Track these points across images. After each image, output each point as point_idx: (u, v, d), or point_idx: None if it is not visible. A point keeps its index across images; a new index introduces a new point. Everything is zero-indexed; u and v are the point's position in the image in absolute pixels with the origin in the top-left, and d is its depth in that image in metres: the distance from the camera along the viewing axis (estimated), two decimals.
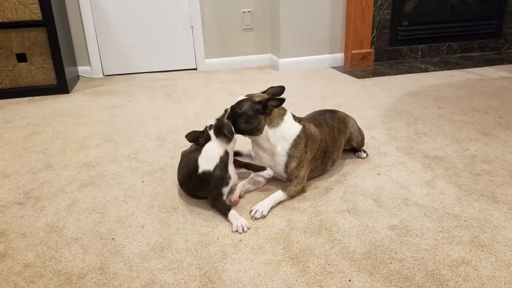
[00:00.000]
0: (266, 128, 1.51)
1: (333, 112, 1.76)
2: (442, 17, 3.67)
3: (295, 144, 1.52)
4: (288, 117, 1.55)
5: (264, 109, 1.47)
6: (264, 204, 1.45)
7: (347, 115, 1.82)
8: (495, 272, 1.13)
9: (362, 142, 1.83)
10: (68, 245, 1.31)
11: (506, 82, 2.90)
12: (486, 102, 2.48)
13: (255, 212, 1.42)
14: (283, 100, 1.47)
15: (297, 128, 1.54)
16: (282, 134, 1.52)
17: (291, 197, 1.52)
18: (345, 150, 1.84)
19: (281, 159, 1.53)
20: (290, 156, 1.52)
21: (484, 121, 2.19)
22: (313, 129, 1.59)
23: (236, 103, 1.50)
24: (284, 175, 1.56)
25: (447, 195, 1.51)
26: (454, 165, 1.73)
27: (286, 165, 1.53)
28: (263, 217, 1.42)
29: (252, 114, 1.47)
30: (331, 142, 1.64)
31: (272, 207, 1.46)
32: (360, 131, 1.82)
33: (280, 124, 1.53)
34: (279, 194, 1.49)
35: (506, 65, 3.38)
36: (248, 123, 1.48)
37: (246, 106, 1.48)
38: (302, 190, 1.55)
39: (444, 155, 1.82)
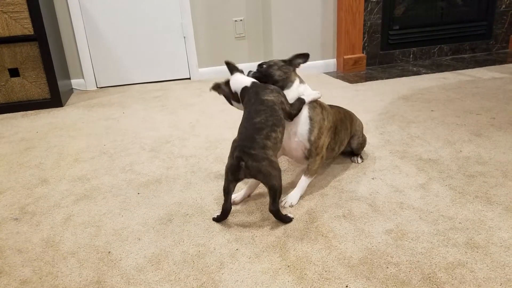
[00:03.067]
0: (297, 81, 1.56)
1: (340, 106, 1.81)
2: (432, 20, 3.71)
3: (312, 107, 1.55)
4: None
5: (290, 62, 1.56)
6: (293, 195, 1.53)
7: (355, 115, 1.86)
8: (491, 273, 1.13)
9: (362, 145, 1.84)
10: (65, 259, 1.30)
11: (497, 82, 2.92)
12: (478, 103, 2.50)
13: (284, 203, 1.50)
14: (307, 54, 1.56)
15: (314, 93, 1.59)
16: (306, 92, 1.56)
17: (315, 173, 1.58)
18: (342, 154, 1.85)
19: (304, 125, 1.53)
20: (311, 120, 1.53)
21: (477, 122, 2.20)
22: (325, 104, 1.63)
23: (262, 62, 1.57)
24: (307, 145, 1.54)
25: (442, 198, 1.51)
26: (448, 167, 1.74)
27: (310, 132, 1.52)
28: (291, 206, 1.51)
29: (283, 64, 1.55)
30: (339, 122, 1.68)
31: (301, 196, 1.56)
32: (363, 134, 1.85)
33: (305, 83, 1.58)
34: (303, 181, 1.56)
35: (497, 65, 3.41)
36: (281, 70, 1.54)
37: (275, 60, 1.57)
38: (321, 161, 1.58)
39: (437, 157, 1.83)
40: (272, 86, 1.49)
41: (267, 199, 1.55)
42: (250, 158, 1.33)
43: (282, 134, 1.44)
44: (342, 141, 1.71)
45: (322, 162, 1.59)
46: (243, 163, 1.34)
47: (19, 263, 1.30)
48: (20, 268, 1.28)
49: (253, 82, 1.50)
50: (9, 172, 1.96)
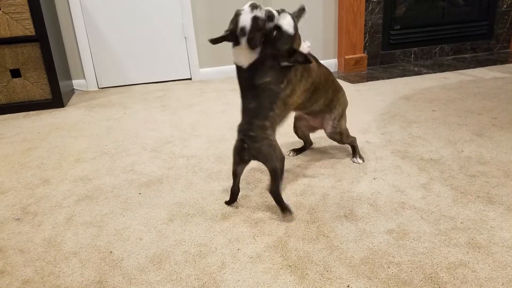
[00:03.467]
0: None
1: (331, 73, 1.79)
2: (434, 20, 3.71)
3: (295, 68, 1.50)
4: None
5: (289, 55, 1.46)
6: None
7: (343, 92, 1.84)
8: (493, 273, 1.13)
9: (338, 134, 1.78)
10: (67, 259, 1.31)
11: (499, 82, 2.92)
12: (479, 103, 2.49)
13: None
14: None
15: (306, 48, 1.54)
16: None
17: None
18: (340, 153, 1.85)
19: None
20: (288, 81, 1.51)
21: (478, 122, 2.20)
22: (313, 65, 1.60)
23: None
24: None
25: (443, 198, 1.51)
26: (449, 167, 1.74)
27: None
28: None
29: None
30: (324, 82, 1.67)
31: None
32: (341, 124, 1.79)
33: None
34: None
35: (499, 65, 3.41)
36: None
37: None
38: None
39: (439, 157, 1.83)
40: (270, 64, 1.42)
41: (268, 198, 1.55)
42: (251, 140, 1.40)
43: (286, 104, 1.49)
44: (316, 100, 1.66)
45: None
46: (245, 145, 1.41)
47: (21, 263, 1.30)
48: (22, 268, 1.28)
49: (250, 65, 1.43)
50: (10, 172, 1.96)
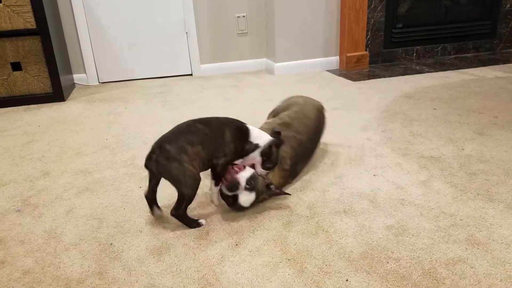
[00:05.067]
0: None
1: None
2: (436, 19, 3.70)
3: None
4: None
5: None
6: None
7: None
8: (491, 269, 1.14)
9: None
10: (67, 251, 1.31)
11: (501, 82, 2.92)
12: (481, 102, 2.49)
13: None
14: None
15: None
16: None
17: None
18: (341, 150, 1.85)
19: None
20: None
21: (479, 121, 2.20)
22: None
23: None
24: None
25: (443, 195, 1.52)
26: (449, 165, 1.74)
27: None
28: None
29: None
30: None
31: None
32: None
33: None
34: None
35: (501, 65, 3.40)
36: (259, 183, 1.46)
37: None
38: None
39: (439, 155, 1.83)
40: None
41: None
42: (162, 154, 1.32)
43: (207, 154, 1.38)
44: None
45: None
46: (154, 156, 1.33)
47: (21, 254, 1.31)
48: (23, 258, 1.28)
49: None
50: (11, 165, 1.96)
